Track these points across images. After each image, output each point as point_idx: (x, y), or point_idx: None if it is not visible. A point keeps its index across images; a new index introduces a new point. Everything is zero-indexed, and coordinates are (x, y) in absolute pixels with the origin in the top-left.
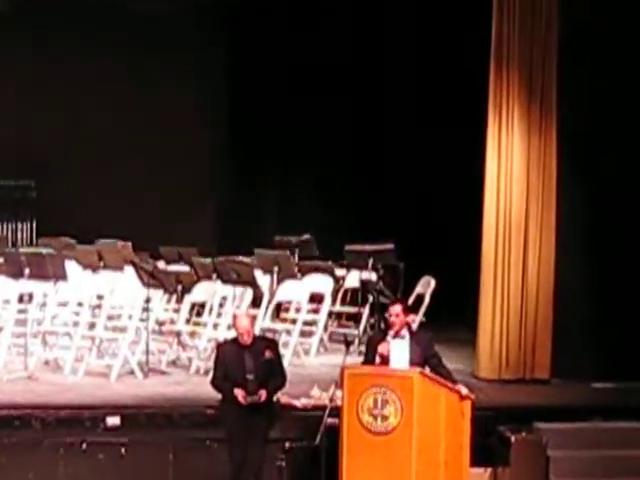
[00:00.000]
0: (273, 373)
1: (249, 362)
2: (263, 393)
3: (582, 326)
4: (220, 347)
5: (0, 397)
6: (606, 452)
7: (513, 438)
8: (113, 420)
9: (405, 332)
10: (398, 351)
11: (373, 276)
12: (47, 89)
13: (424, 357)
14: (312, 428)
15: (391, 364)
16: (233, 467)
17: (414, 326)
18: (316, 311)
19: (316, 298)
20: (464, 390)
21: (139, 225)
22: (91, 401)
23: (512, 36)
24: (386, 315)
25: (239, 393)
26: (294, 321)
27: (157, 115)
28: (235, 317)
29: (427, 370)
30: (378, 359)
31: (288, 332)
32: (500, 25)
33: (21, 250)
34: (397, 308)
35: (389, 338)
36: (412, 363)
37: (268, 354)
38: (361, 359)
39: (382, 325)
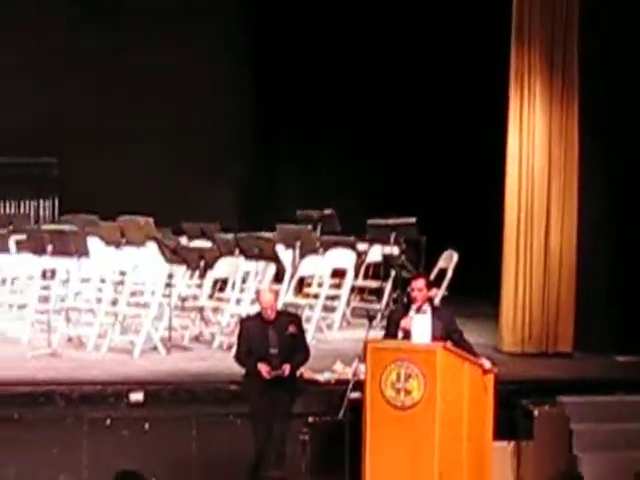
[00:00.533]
0: (296, 348)
1: (273, 337)
2: (287, 367)
3: (605, 299)
4: (244, 322)
5: (24, 374)
6: (629, 425)
7: (536, 412)
8: (136, 396)
9: (427, 307)
10: (420, 326)
11: (395, 250)
12: (71, 67)
13: (446, 332)
14: (335, 403)
15: (413, 339)
16: (257, 442)
17: (437, 300)
18: (338, 286)
19: (338, 273)
20: (487, 364)
21: (161, 201)
22: (114, 377)
23: (533, 10)
24: (408, 289)
25: (263, 368)
26: (316, 296)
27: (178, 93)
28: (259, 292)
29: (449, 344)
30: (401, 334)
31: (311, 307)
32: None
33: (44, 227)
34: (420, 282)
35: (411, 313)
36: (434, 338)
37: (292, 329)
38: (383, 333)
39: (404, 300)
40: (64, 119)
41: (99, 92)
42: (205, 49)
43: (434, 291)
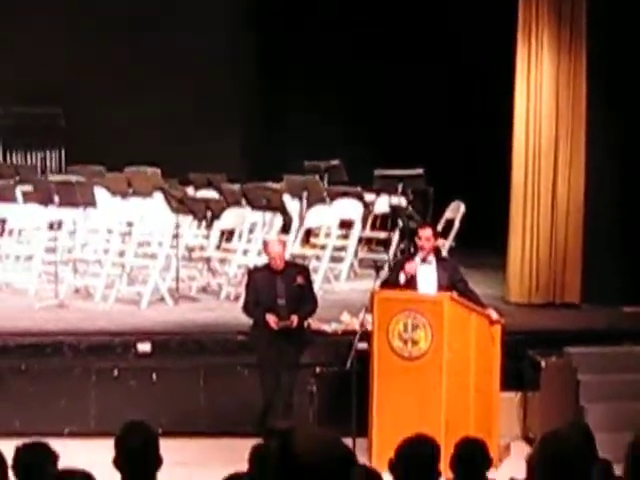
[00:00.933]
0: (304, 299)
1: (280, 288)
2: (294, 318)
3: (613, 250)
4: (252, 273)
5: (31, 325)
6: (636, 376)
7: (543, 362)
8: (144, 347)
9: (432, 258)
10: (425, 276)
11: (403, 201)
12: (78, 17)
13: (451, 282)
14: (342, 353)
15: (419, 289)
16: (264, 392)
17: (444, 251)
18: (346, 236)
19: (346, 223)
20: (494, 314)
21: (168, 152)
22: (122, 328)
23: None
24: (416, 239)
25: (271, 318)
26: (324, 247)
27: (184, 45)
28: (267, 242)
29: (455, 295)
30: (403, 277)
31: (318, 258)
32: None
33: (50, 178)
34: (428, 231)
35: (417, 260)
36: (440, 288)
37: (299, 280)
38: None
39: (412, 250)
40: (71, 70)
41: (105, 43)
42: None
43: (441, 241)
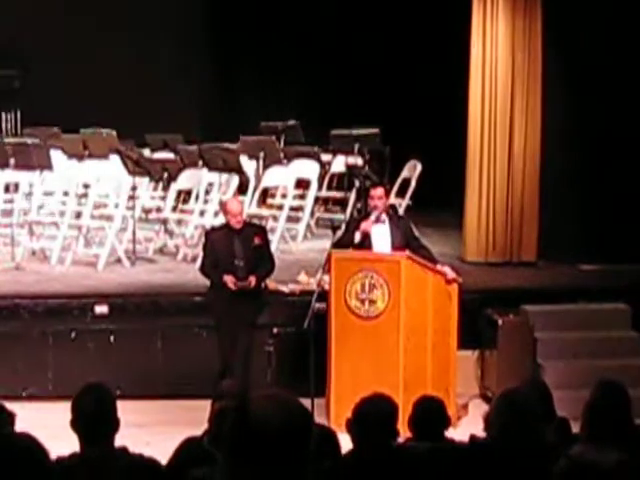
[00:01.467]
0: (262, 259)
1: (238, 248)
2: (252, 279)
3: (569, 209)
4: (209, 234)
5: None
6: (592, 333)
7: (500, 320)
8: (101, 308)
9: (385, 217)
10: (379, 235)
11: (359, 161)
12: None
13: (405, 240)
14: (300, 313)
15: (373, 248)
16: (222, 353)
17: (400, 210)
18: (302, 196)
19: (302, 183)
20: (450, 273)
21: (124, 113)
22: (79, 290)
23: None
24: (368, 199)
25: (229, 279)
26: (280, 207)
27: (140, 5)
28: (226, 202)
29: (410, 253)
30: (358, 236)
31: (275, 218)
32: None
33: (6, 140)
34: (379, 191)
35: (373, 217)
36: (394, 247)
37: (257, 240)
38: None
39: (366, 210)
40: (26, 31)
41: (60, 5)
42: None
43: (397, 201)
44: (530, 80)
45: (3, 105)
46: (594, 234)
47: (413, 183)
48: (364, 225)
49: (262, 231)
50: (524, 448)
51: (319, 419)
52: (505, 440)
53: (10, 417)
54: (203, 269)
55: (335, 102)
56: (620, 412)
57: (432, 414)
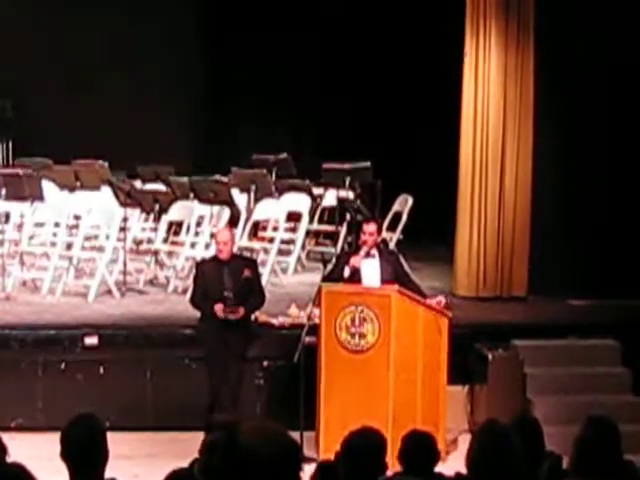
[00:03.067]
0: (252, 292)
1: (228, 280)
2: (241, 310)
3: (559, 244)
4: (199, 265)
5: None
6: (582, 369)
7: (490, 355)
8: (91, 340)
9: (375, 251)
10: (369, 270)
11: (350, 194)
12: (27, 9)
13: (395, 275)
14: (290, 346)
15: (363, 283)
16: (211, 386)
17: (391, 244)
18: (293, 230)
19: (293, 217)
20: (442, 300)
21: (116, 145)
22: (69, 321)
23: None
24: (361, 234)
25: (217, 307)
26: (272, 240)
27: (131, 36)
28: (217, 231)
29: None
30: (348, 271)
31: (266, 251)
32: None
33: None
34: (372, 226)
35: (362, 253)
36: (383, 281)
37: (247, 273)
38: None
39: (355, 245)
40: (21, 62)
41: (54, 35)
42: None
43: (388, 235)
44: (522, 116)
45: None
46: (584, 269)
47: (404, 217)
48: (353, 261)
49: (252, 264)
50: None
51: (308, 452)
52: (485, 477)
53: (3, 450)
54: (193, 300)
55: (327, 136)
56: (610, 447)
57: (422, 448)
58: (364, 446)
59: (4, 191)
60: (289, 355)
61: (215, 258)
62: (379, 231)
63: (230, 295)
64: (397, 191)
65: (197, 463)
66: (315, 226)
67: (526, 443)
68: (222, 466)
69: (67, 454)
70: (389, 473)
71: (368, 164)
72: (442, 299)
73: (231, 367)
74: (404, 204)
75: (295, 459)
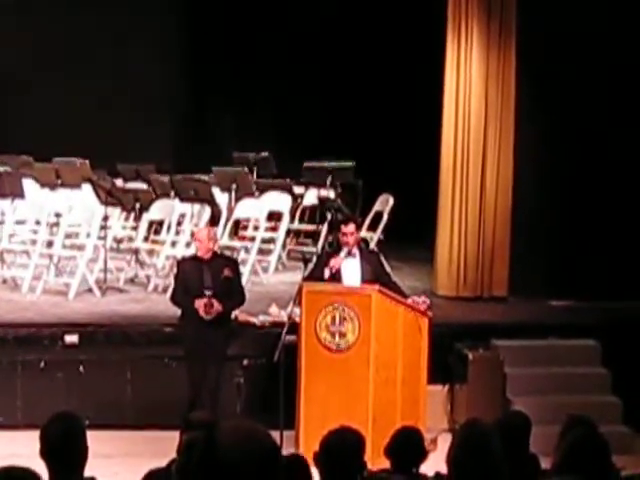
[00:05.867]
0: (232, 291)
1: (207, 278)
2: (219, 306)
3: (539, 244)
4: (180, 263)
5: None
6: (562, 370)
7: (470, 355)
8: (71, 338)
9: (355, 251)
10: (349, 270)
11: (331, 194)
12: (8, 8)
13: (375, 275)
14: (270, 345)
15: (343, 282)
16: (191, 384)
17: (372, 244)
18: (274, 229)
19: (274, 216)
20: (426, 300)
21: (96, 143)
22: (49, 319)
23: None
24: (339, 234)
25: (199, 303)
26: (252, 239)
27: (113, 34)
28: (197, 230)
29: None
30: (328, 272)
31: (246, 250)
32: None
33: None
34: (350, 226)
35: (342, 254)
36: (363, 281)
37: (227, 272)
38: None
39: (336, 245)
40: (0, 59)
41: (34, 33)
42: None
43: (369, 234)
44: (503, 115)
45: None
46: (565, 270)
47: (385, 217)
48: (333, 262)
49: (232, 263)
50: None
51: (288, 451)
52: (465, 476)
53: None
54: (174, 297)
55: (308, 134)
56: (590, 448)
57: (411, 444)
58: (342, 445)
59: None
60: (269, 354)
61: (196, 257)
62: (358, 229)
63: (209, 293)
64: (378, 191)
65: (175, 463)
66: (296, 225)
67: (509, 443)
68: (200, 467)
69: (46, 452)
70: (374, 469)
71: (350, 163)
72: (427, 299)
73: (210, 365)
74: (385, 204)
75: (275, 460)
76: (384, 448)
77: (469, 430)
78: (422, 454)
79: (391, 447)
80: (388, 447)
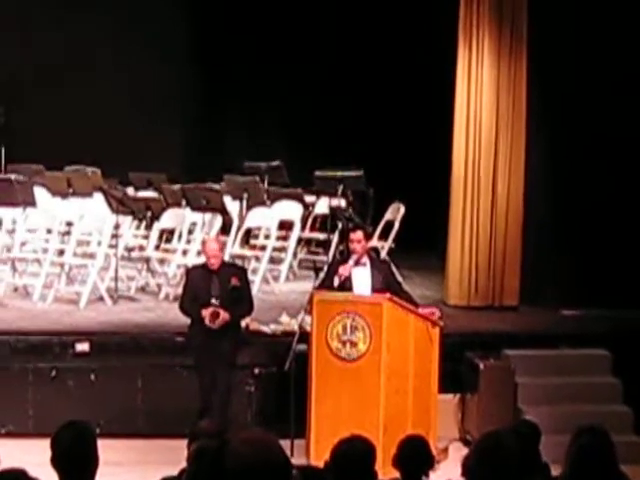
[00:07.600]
0: (240, 300)
1: (215, 287)
2: (226, 314)
3: (551, 254)
4: (189, 272)
5: None
6: (572, 379)
7: (481, 365)
8: (82, 346)
9: (366, 259)
10: (360, 279)
11: (343, 202)
12: (16, 14)
13: (386, 283)
14: (281, 354)
15: (354, 291)
16: (201, 392)
17: (383, 252)
18: (285, 238)
19: (285, 225)
20: (437, 312)
21: (108, 151)
22: (60, 327)
23: None
24: (349, 243)
25: (205, 312)
26: (263, 248)
27: (127, 43)
28: (204, 242)
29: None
30: (337, 280)
31: (257, 259)
32: None
33: None
34: (358, 234)
35: (351, 262)
36: (374, 290)
37: (235, 281)
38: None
39: (345, 253)
40: (11, 68)
41: (44, 41)
42: (154, 12)
43: (380, 243)
44: (514, 125)
45: None
46: (576, 279)
47: (396, 225)
48: (341, 269)
49: (241, 272)
50: None
51: (299, 460)
52: None
53: None
54: (182, 306)
55: (319, 143)
56: (605, 456)
57: (418, 453)
58: (353, 454)
59: None
60: (280, 363)
61: (205, 265)
62: (366, 238)
63: (216, 302)
64: (389, 199)
65: (184, 473)
66: (307, 234)
67: (521, 451)
68: (210, 475)
69: (57, 460)
70: (385, 479)
71: (361, 172)
72: (436, 310)
73: (220, 374)
74: (396, 212)
75: (285, 472)
76: (392, 459)
77: (490, 441)
78: (430, 461)
79: (398, 457)
80: (395, 458)
